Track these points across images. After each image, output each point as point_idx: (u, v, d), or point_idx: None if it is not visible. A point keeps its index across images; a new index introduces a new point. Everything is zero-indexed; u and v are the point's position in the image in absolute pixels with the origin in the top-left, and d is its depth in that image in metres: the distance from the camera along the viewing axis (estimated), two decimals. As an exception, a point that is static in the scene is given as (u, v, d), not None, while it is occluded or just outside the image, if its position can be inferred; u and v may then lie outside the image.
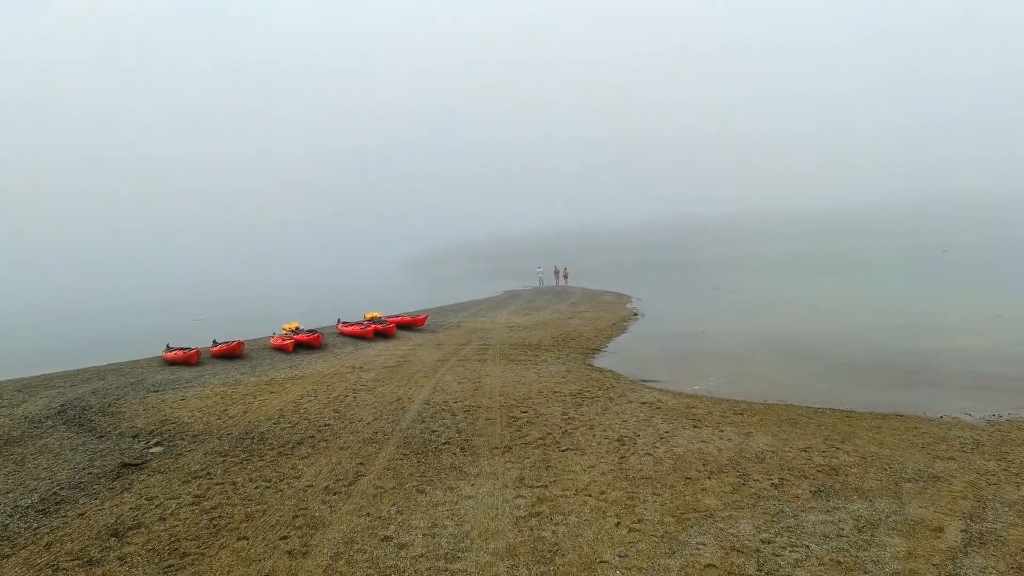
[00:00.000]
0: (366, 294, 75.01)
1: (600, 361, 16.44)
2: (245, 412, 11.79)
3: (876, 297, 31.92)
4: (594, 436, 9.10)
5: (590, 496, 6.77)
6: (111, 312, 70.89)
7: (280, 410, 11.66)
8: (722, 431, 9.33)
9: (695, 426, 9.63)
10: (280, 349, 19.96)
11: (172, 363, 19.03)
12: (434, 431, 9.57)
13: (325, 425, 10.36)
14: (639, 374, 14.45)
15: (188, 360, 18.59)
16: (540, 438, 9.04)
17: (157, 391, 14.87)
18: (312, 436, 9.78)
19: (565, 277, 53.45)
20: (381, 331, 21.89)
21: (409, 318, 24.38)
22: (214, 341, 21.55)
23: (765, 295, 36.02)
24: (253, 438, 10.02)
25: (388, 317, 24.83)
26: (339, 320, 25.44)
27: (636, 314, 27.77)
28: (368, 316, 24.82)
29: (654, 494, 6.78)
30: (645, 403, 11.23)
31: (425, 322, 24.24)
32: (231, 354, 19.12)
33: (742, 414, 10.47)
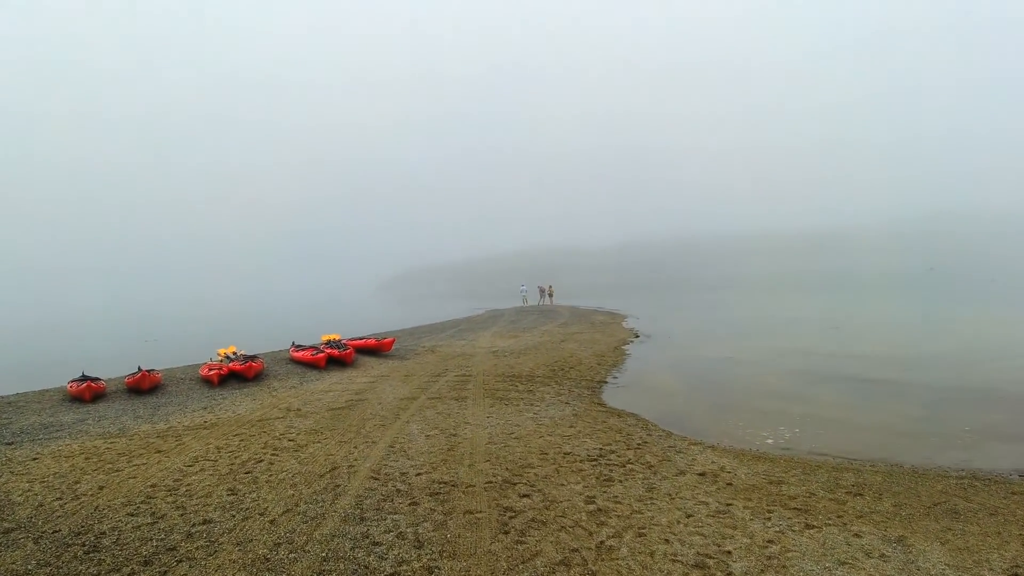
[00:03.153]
0: (339, 312, 70.70)
1: (613, 398, 12.67)
2: (101, 489, 7.75)
3: (896, 317, 28.80)
4: (652, 555, 5.27)
5: None
6: (64, 327, 65.80)
7: (152, 487, 7.65)
8: (858, 536, 5.62)
9: (808, 525, 5.89)
10: (207, 381, 15.88)
11: (74, 398, 14.95)
12: (377, 543, 5.63)
13: (204, 523, 6.39)
14: (672, 419, 10.72)
15: (81, 396, 14.48)
16: (561, 562, 5.18)
17: (11, 443, 10.72)
18: (173, 548, 5.81)
19: (550, 296, 49.90)
20: (337, 357, 17.85)
21: (374, 341, 20.35)
22: (138, 368, 17.45)
23: (771, 314, 32.71)
24: (84, 544, 6.05)
25: (348, 340, 20.83)
26: (293, 343, 21.40)
27: (637, 335, 24.15)
28: (325, 339, 20.82)
29: None
30: (705, 474, 7.47)
31: (392, 346, 20.22)
32: (138, 388, 15.01)
33: (861, 494, 6.78)
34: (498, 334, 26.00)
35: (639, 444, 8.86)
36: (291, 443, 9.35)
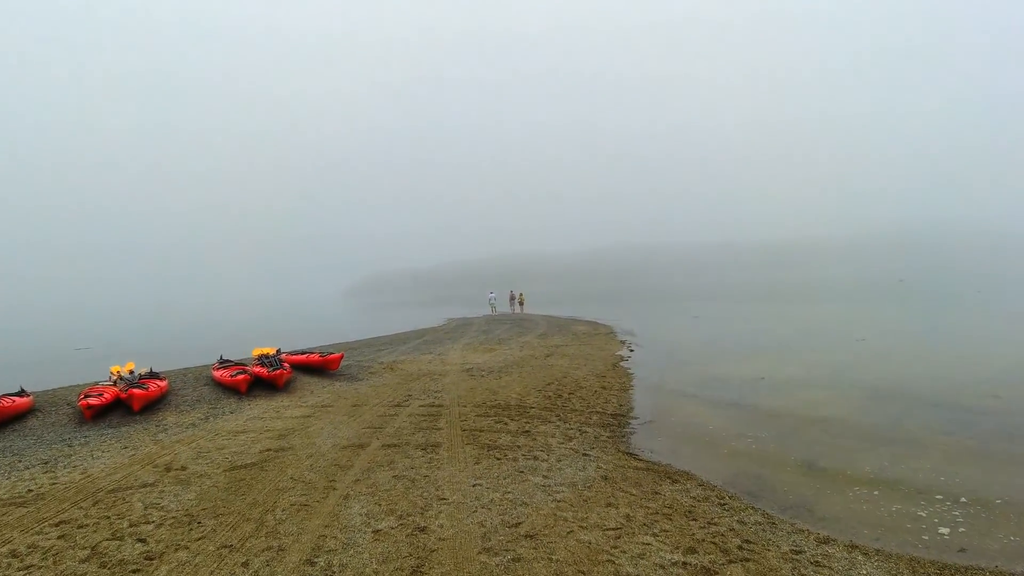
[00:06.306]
0: (298, 320, 66.01)
1: (646, 444, 9.02)
2: None
3: (915, 329, 25.95)
4: None
5: None
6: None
7: None
8: None
9: None
10: (82, 412, 11.67)
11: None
12: None
13: None
14: (751, 484, 7.14)
15: None
16: None
17: None
18: None
19: (520, 303, 46.46)
20: (266, 379, 13.75)
21: (317, 357, 16.20)
22: (20, 389, 13.27)
23: (773, 326, 29.66)
24: None
25: (287, 355, 16.74)
26: (220, 357, 17.22)
27: (632, 349, 20.67)
28: (256, 353, 16.69)
29: None
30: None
31: (340, 363, 16.10)
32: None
33: None
34: (470, 347, 22.20)
35: (740, 547, 5.20)
36: (139, 548, 5.39)
